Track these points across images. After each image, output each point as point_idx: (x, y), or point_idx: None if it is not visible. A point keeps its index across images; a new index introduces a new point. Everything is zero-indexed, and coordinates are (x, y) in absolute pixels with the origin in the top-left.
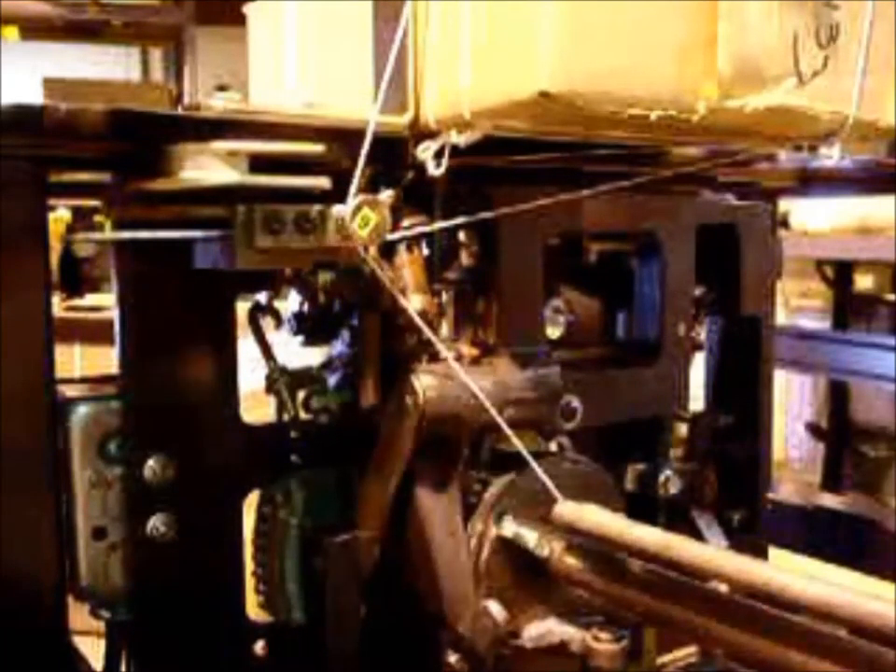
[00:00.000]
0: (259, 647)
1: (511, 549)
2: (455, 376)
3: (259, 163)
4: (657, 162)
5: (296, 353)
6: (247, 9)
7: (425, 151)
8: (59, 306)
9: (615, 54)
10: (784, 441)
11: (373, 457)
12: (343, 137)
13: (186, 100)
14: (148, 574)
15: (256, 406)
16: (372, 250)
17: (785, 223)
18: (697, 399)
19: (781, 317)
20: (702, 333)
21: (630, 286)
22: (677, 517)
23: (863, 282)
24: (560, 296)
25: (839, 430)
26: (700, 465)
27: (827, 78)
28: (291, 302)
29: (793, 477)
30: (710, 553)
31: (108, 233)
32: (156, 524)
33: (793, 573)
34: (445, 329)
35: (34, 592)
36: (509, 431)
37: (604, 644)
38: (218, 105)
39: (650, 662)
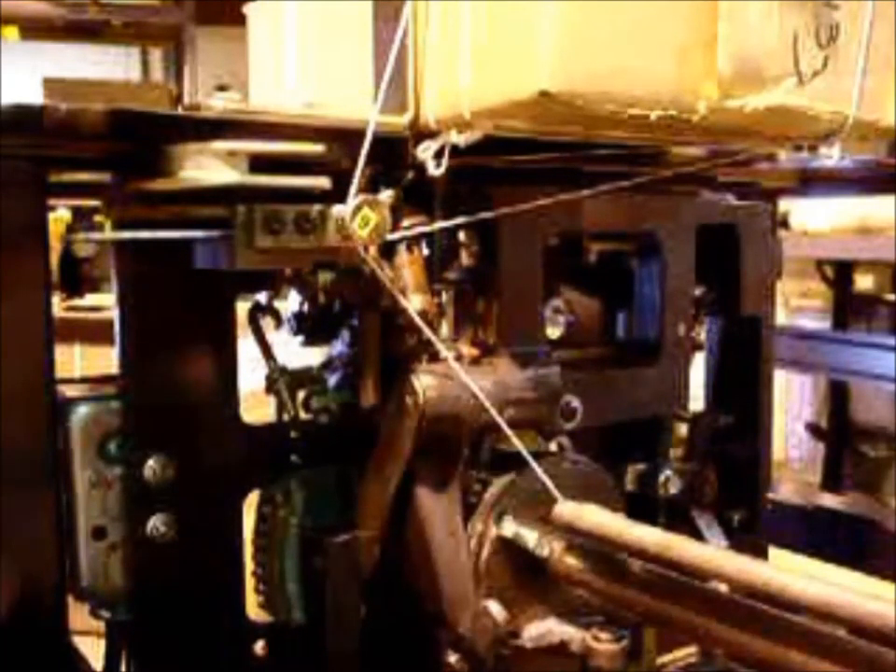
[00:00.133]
0: (259, 647)
1: (510, 549)
2: (455, 376)
3: (259, 163)
4: (657, 162)
5: (296, 353)
6: (247, 9)
7: (425, 151)
8: (59, 306)
9: (615, 54)
10: (784, 441)
11: (373, 457)
12: (343, 137)
13: (186, 100)
14: (148, 574)
15: (256, 406)
16: (372, 250)
17: (785, 223)
18: (697, 399)
19: (781, 317)
20: (702, 333)
21: (630, 286)
22: (677, 517)
23: (863, 282)
24: (560, 296)
25: (839, 430)
26: (700, 465)
27: (827, 78)
28: (291, 302)
29: (793, 477)
30: (710, 553)
31: (108, 233)
32: (156, 524)
33: (793, 573)
34: (445, 328)
35: (34, 592)
36: (509, 431)
37: (604, 644)
38: (218, 104)
39: (650, 662)
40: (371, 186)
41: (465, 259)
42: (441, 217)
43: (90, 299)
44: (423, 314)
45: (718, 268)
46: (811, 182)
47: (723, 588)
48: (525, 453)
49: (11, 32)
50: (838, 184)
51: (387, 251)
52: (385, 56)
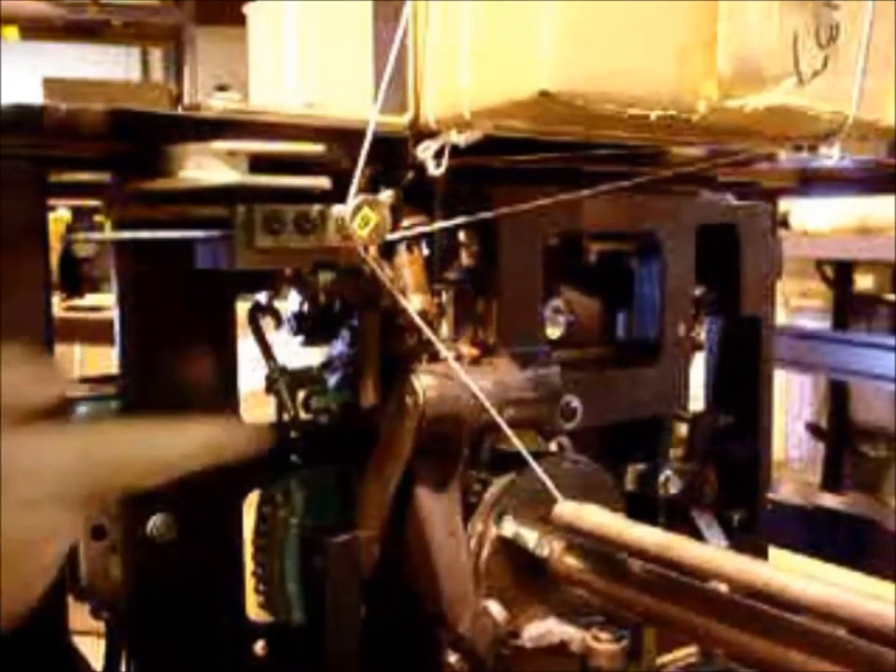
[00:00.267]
0: (259, 647)
1: (511, 549)
2: (455, 376)
3: (259, 163)
4: (657, 162)
5: (296, 353)
6: (247, 9)
7: (425, 151)
8: (59, 306)
9: (615, 54)
10: (784, 441)
11: (373, 457)
12: (343, 137)
13: (186, 100)
14: (148, 574)
15: (256, 406)
16: (372, 250)
17: (785, 223)
18: (697, 399)
19: (781, 317)
20: (702, 333)
21: (630, 286)
22: (677, 517)
23: (863, 282)
24: (560, 296)
25: (839, 430)
26: (700, 465)
27: (827, 78)
28: (291, 302)
29: (793, 477)
30: (710, 553)
31: (108, 233)
32: (156, 524)
33: (793, 573)
34: (445, 328)
35: None
36: (509, 431)
37: (604, 644)
38: (218, 105)
39: (650, 662)
40: (371, 186)
41: (465, 259)
42: (441, 216)
43: (90, 299)
44: (423, 314)
45: (718, 268)
46: (811, 182)
47: (723, 588)
48: (525, 453)
49: (11, 32)
50: (838, 184)
51: (387, 251)
52: (385, 56)
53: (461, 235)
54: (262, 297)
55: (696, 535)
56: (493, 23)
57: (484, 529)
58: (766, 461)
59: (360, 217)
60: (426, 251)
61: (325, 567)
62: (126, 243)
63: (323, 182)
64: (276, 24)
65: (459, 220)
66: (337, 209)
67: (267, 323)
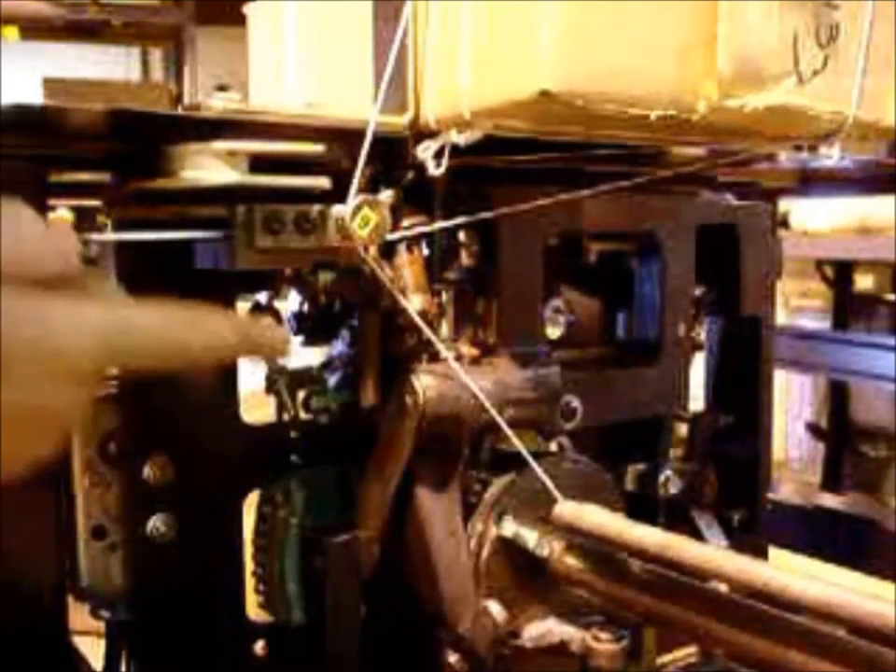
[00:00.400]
0: (259, 647)
1: (511, 549)
2: (455, 376)
3: (259, 163)
4: (657, 162)
5: (296, 353)
6: (247, 9)
7: (425, 151)
8: None
9: (615, 54)
10: (784, 441)
11: (373, 457)
12: (343, 137)
13: (186, 100)
14: (148, 574)
15: (256, 406)
16: (372, 250)
17: (785, 223)
18: (697, 399)
19: (781, 317)
20: (702, 333)
21: (630, 286)
22: (677, 517)
23: (863, 282)
24: (560, 296)
25: (839, 430)
26: (700, 465)
27: (827, 78)
28: (291, 302)
29: (793, 477)
30: (710, 552)
31: (108, 233)
32: (156, 524)
33: (793, 573)
34: (445, 328)
35: (34, 592)
36: (509, 431)
37: (604, 644)
38: (218, 105)
39: (650, 662)
40: (371, 186)
41: (465, 259)
42: (441, 217)
43: None
44: (423, 314)
45: (718, 268)
46: (811, 182)
47: (723, 588)
48: (525, 453)
49: (11, 32)
50: (838, 184)
51: (387, 251)
52: (385, 56)
53: (461, 235)
54: (262, 297)
55: (696, 535)
56: (493, 23)
57: (484, 529)
58: (766, 461)
59: (360, 216)
60: (426, 251)
61: (325, 567)
62: (126, 243)
63: (323, 182)
64: (276, 24)
65: (459, 220)
66: (337, 209)
67: None
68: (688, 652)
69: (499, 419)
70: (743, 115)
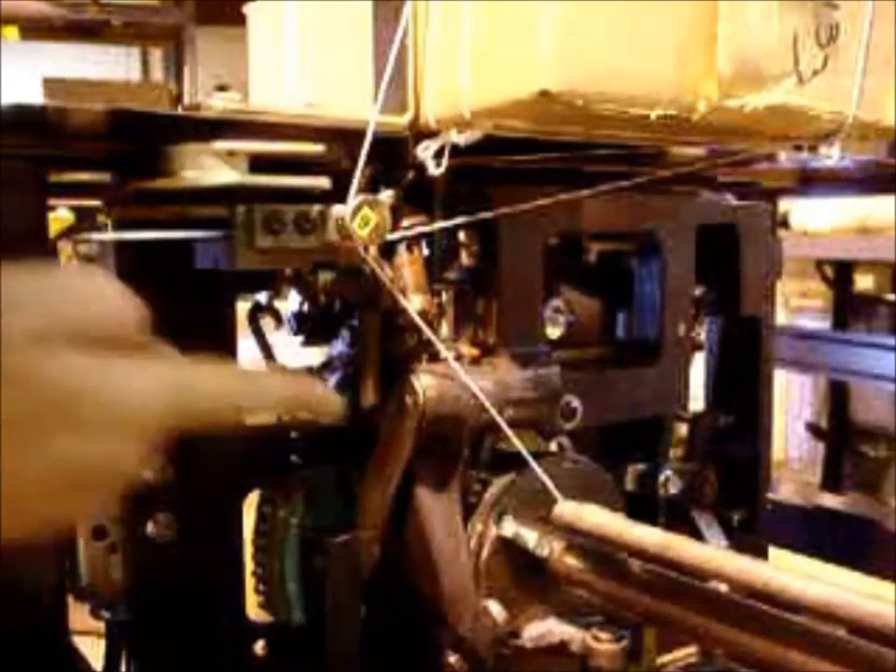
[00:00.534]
0: (259, 647)
1: (511, 549)
2: (455, 376)
3: (259, 163)
4: (657, 162)
5: (296, 353)
6: (247, 9)
7: (425, 151)
8: None
9: (615, 54)
10: (784, 441)
11: (373, 457)
12: (343, 137)
13: (186, 100)
14: (148, 574)
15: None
16: (372, 250)
17: (785, 223)
18: (697, 399)
19: (781, 317)
20: (702, 333)
21: (630, 286)
22: (677, 517)
23: (863, 282)
24: (560, 296)
25: (839, 430)
26: (700, 465)
27: (827, 78)
28: (291, 302)
29: (793, 477)
30: (710, 552)
31: (108, 233)
32: (156, 524)
33: (793, 573)
34: (445, 328)
35: (34, 592)
36: (509, 431)
37: (604, 644)
38: (218, 104)
39: (650, 662)
40: (371, 186)
41: (465, 259)
42: (441, 216)
43: None
44: (423, 314)
45: (718, 268)
46: (811, 182)
47: (723, 588)
48: (525, 453)
49: (11, 32)
50: (838, 184)
51: (387, 251)
52: (385, 56)
53: (461, 235)
54: (262, 297)
55: (696, 535)
56: (493, 23)
57: (484, 529)
58: (766, 461)
59: (360, 216)
60: (426, 251)
61: (325, 567)
62: (126, 243)
63: (323, 182)
64: (276, 24)
65: (459, 220)
66: (337, 209)
67: (267, 323)
68: (688, 652)
69: (499, 419)
70: (743, 115)
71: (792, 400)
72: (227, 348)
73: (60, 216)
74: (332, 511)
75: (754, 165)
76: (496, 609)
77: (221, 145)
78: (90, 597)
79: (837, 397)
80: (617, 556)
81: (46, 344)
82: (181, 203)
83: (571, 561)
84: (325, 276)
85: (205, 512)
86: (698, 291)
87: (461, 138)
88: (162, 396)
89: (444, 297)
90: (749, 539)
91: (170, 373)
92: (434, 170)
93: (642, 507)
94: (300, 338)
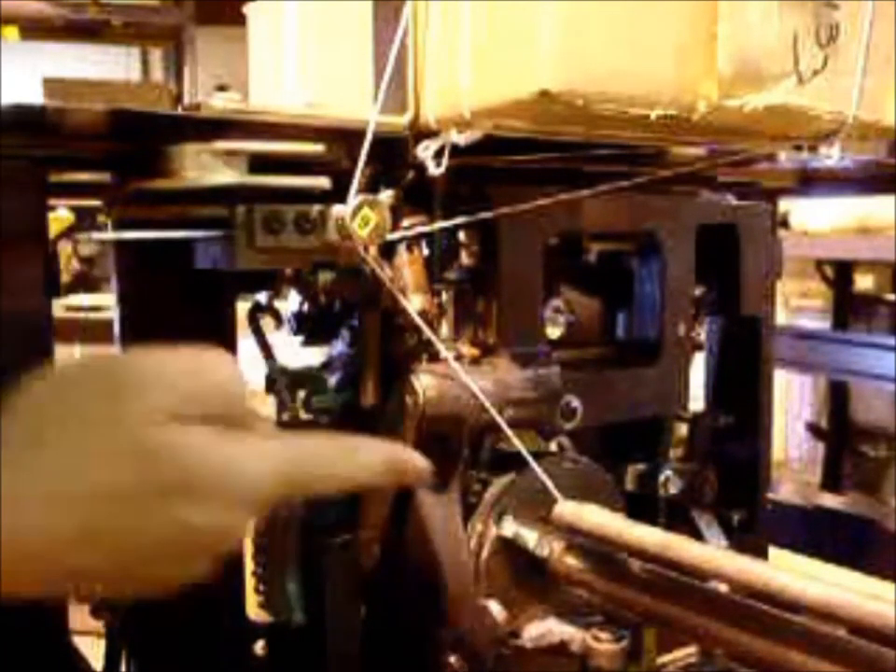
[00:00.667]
0: (259, 647)
1: (511, 549)
2: (455, 376)
3: (259, 163)
4: (657, 162)
5: (296, 353)
6: (247, 9)
7: (425, 151)
8: (59, 306)
9: (615, 54)
10: (784, 441)
11: None
12: (343, 137)
13: (186, 100)
14: None
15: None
16: (372, 250)
17: (785, 223)
18: (697, 399)
19: (781, 317)
20: (702, 333)
21: (630, 286)
22: (677, 517)
23: (863, 282)
24: (560, 296)
25: (839, 430)
26: (700, 465)
27: (827, 78)
28: (291, 302)
29: (793, 477)
30: (710, 552)
31: (108, 233)
32: None
33: (793, 573)
34: (445, 328)
35: None
36: (509, 431)
37: (604, 644)
38: (218, 104)
39: (650, 662)
40: (371, 186)
41: (465, 259)
42: (441, 216)
43: (90, 299)
44: (423, 314)
45: (718, 268)
46: (811, 182)
47: (723, 588)
48: (525, 453)
49: (11, 32)
50: (838, 184)
51: (387, 251)
52: (385, 56)
53: (461, 235)
54: (262, 297)
55: (696, 535)
56: (493, 23)
57: (484, 529)
58: (766, 461)
59: (360, 216)
60: (426, 251)
61: (325, 567)
62: (126, 243)
63: (323, 182)
64: (276, 24)
65: (459, 220)
66: (337, 209)
67: (267, 323)
68: (688, 652)
69: (499, 419)
70: (743, 115)
71: (792, 400)
72: (227, 348)
73: (60, 216)
74: (332, 511)
75: (754, 165)
76: (496, 608)
77: (221, 145)
78: (90, 597)
79: (837, 397)
80: (617, 556)
81: (178, 421)
82: (181, 203)
83: (571, 561)
84: (325, 276)
85: None
86: (698, 291)
87: (461, 138)
88: (274, 471)
89: (444, 297)
90: (749, 539)
91: (280, 449)
92: (434, 170)
93: (642, 507)
94: (300, 338)
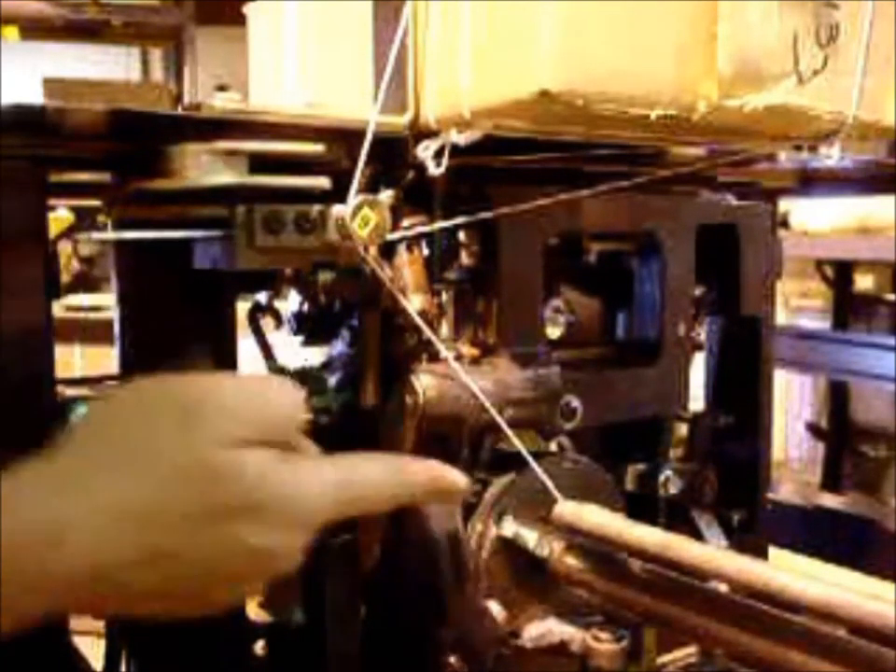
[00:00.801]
0: (259, 647)
1: (511, 549)
2: (455, 376)
3: (259, 163)
4: (657, 162)
5: (296, 353)
6: (247, 9)
7: (425, 151)
8: (59, 306)
9: (615, 54)
10: (784, 441)
11: None
12: (343, 137)
13: (186, 100)
14: None
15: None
16: (372, 250)
17: (785, 223)
18: (697, 399)
19: (781, 317)
20: (702, 333)
21: (630, 286)
22: (677, 517)
23: (863, 282)
24: (560, 296)
25: (839, 430)
26: (700, 465)
27: (827, 78)
28: (291, 302)
29: (793, 477)
30: (710, 553)
31: (108, 233)
32: None
33: (793, 573)
34: (445, 328)
35: None
36: (509, 431)
37: (604, 644)
38: (218, 104)
39: (650, 662)
40: (371, 186)
41: (465, 258)
42: (441, 216)
43: (90, 299)
44: (423, 314)
45: (718, 268)
46: (811, 182)
47: (723, 588)
48: (525, 453)
49: (11, 32)
50: (838, 184)
51: (387, 251)
52: (385, 56)
53: (461, 235)
54: (262, 297)
55: (696, 535)
56: (493, 23)
57: (484, 529)
58: (766, 461)
59: (360, 216)
60: (426, 251)
61: (325, 567)
62: (126, 243)
63: (323, 182)
64: (276, 24)
65: (459, 220)
66: (337, 209)
67: (267, 323)
68: (688, 652)
69: (499, 419)
70: (743, 115)
71: (792, 400)
72: (227, 348)
73: (60, 216)
74: None
75: (754, 165)
76: (496, 608)
77: (221, 145)
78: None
79: (837, 397)
80: (617, 556)
81: (242, 445)
82: (181, 203)
83: (571, 561)
84: (325, 276)
85: None
86: (698, 291)
87: (461, 138)
88: (328, 494)
89: (444, 297)
90: (749, 539)
91: (333, 472)
92: (434, 170)
93: (642, 507)
94: (300, 338)
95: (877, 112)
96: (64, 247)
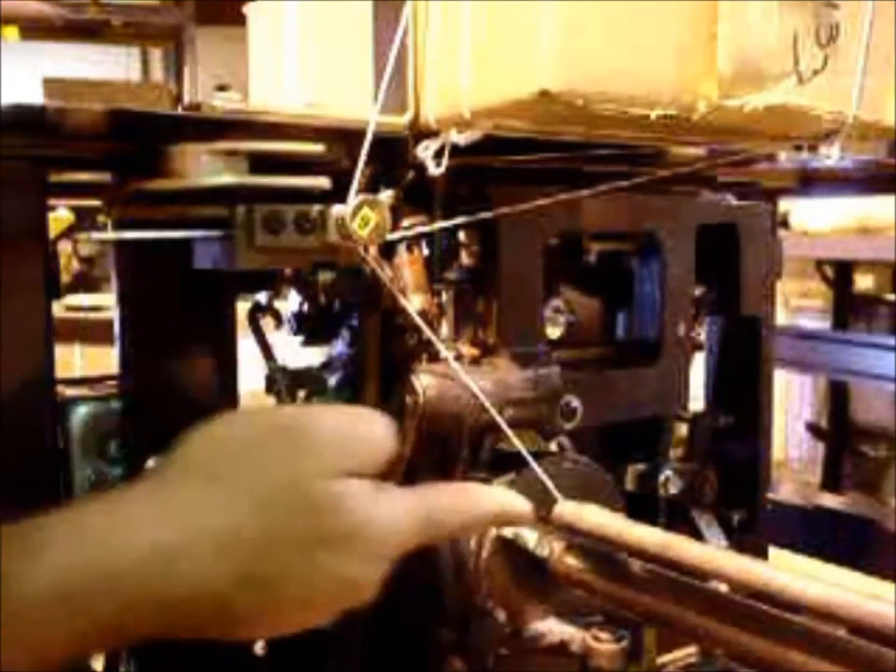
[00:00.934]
0: (259, 647)
1: (511, 549)
2: (455, 376)
3: (259, 163)
4: (657, 162)
5: (296, 353)
6: (247, 9)
7: (425, 151)
8: (59, 306)
9: (615, 54)
10: (784, 441)
11: None
12: (343, 137)
13: (186, 100)
14: None
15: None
16: (372, 250)
17: (785, 223)
18: (697, 399)
19: (781, 317)
20: (702, 333)
21: (630, 286)
22: (677, 517)
23: (863, 282)
24: (560, 296)
25: (839, 430)
26: (700, 465)
27: (827, 78)
28: (291, 302)
29: (793, 477)
30: (710, 553)
31: (108, 233)
32: None
33: (793, 573)
34: (445, 328)
35: None
36: (509, 431)
37: (604, 644)
38: (218, 104)
39: (650, 662)
40: (371, 186)
41: (465, 258)
42: (441, 216)
43: (89, 299)
44: (423, 314)
45: (718, 268)
46: (811, 182)
47: (723, 588)
48: (525, 453)
49: (11, 32)
50: (838, 184)
51: (387, 251)
52: (385, 56)
53: (461, 235)
54: (262, 297)
55: (696, 535)
56: (493, 23)
57: (484, 529)
58: (766, 461)
59: (360, 216)
60: (426, 251)
61: None
62: (126, 243)
63: (323, 182)
64: (276, 24)
65: (459, 220)
66: (337, 209)
67: (267, 323)
68: (688, 652)
69: (499, 419)
70: (743, 115)
71: (792, 400)
72: (227, 348)
73: (60, 216)
74: None
75: (754, 165)
76: (496, 609)
77: (221, 145)
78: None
79: (837, 397)
80: (617, 556)
81: (344, 476)
82: (181, 203)
83: (571, 561)
84: (325, 276)
85: None
86: (698, 291)
87: (461, 138)
88: (414, 526)
89: (444, 297)
90: (749, 539)
91: (416, 503)
92: (434, 170)
93: (642, 507)
94: (300, 338)
95: (877, 112)
96: (64, 247)
